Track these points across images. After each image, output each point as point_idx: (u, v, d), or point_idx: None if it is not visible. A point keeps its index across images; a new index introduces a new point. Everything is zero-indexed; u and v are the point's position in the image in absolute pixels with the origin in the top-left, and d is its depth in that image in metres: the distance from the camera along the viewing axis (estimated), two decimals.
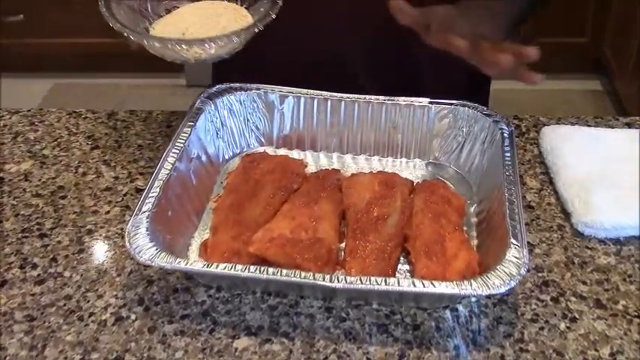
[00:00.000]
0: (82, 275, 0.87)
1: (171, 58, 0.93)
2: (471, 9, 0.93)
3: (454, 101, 1.01)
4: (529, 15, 1.08)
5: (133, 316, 0.82)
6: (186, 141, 0.94)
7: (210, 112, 1.01)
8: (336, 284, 0.75)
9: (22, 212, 0.97)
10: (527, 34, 2.98)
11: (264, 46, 1.05)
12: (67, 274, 0.88)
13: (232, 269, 0.77)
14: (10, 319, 0.82)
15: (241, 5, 1.01)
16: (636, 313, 0.82)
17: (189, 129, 0.96)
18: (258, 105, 1.05)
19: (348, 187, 0.96)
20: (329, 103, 1.03)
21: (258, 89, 1.04)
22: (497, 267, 0.76)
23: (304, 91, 1.03)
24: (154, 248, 0.79)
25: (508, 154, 0.92)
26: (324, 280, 0.75)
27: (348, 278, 0.75)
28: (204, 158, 0.99)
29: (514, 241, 0.78)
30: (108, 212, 0.97)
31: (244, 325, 0.81)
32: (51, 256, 0.90)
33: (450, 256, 0.83)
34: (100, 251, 0.91)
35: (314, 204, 0.92)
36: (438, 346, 0.78)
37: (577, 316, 0.81)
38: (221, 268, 0.77)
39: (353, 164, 1.05)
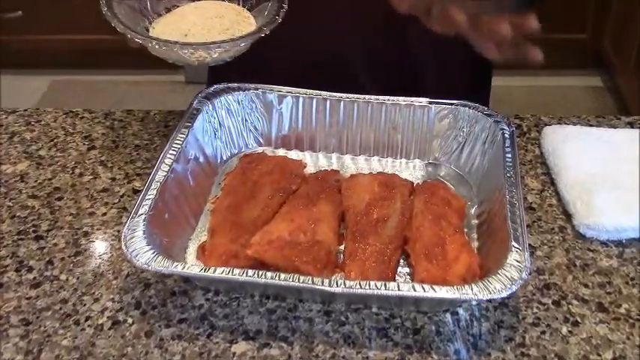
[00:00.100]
0: (78, 278, 0.87)
1: (174, 60, 0.92)
2: None
3: (454, 101, 1.00)
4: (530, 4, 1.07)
5: (130, 320, 0.81)
6: (183, 142, 0.93)
7: (207, 113, 1.00)
8: (335, 289, 0.74)
9: (17, 214, 0.96)
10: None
11: (263, 46, 1.03)
12: (63, 277, 0.87)
13: (230, 273, 0.76)
14: (5, 323, 0.81)
15: (243, 7, 0.99)
16: (639, 317, 0.81)
17: (187, 130, 0.95)
18: (256, 105, 1.04)
19: (347, 188, 0.95)
20: (328, 103, 1.02)
21: (257, 89, 1.03)
22: (499, 271, 0.75)
23: (303, 90, 1.02)
24: (151, 252, 0.78)
25: (509, 155, 0.91)
26: (322, 284, 0.74)
27: (347, 283, 0.74)
28: (201, 159, 0.98)
29: (515, 245, 0.77)
30: (105, 214, 0.96)
31: (242, 329, 0.80)
32: (47, 259, 0.89)
33: (450, 259, 0.82)
34: (97, 254, 0.90)
35: (313, 206, 0.91)
36: (438, 351, 0.77)
37: (579, 320, 0.80)
38: (218, 273, 0.76)
39: (352, 165, 1.04)
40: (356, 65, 1.12)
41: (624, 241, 0.90)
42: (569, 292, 0.84)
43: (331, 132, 1.04)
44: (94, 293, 0.85)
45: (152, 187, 0.86)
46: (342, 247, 0.89)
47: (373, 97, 1.01)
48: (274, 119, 1.04)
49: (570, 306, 0.82)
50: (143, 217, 0.82)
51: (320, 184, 0.95)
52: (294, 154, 1.05)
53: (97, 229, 0.94)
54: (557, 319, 0.81)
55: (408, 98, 1.01)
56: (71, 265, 0.88)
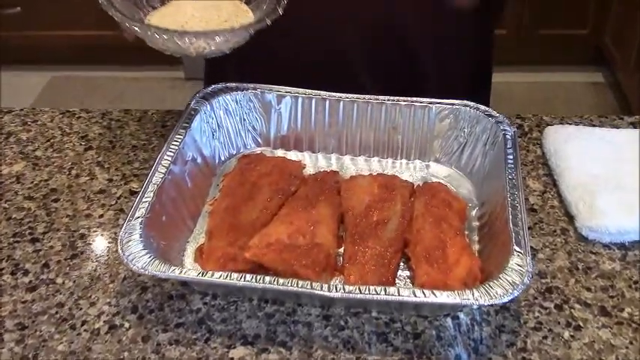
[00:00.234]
0: (74, 282, 0.85)
1: (172, 51, 0.90)
2: None
3: (455, 101, 0.99)
4: None
5: (127, 325, 0.80)
6: (180, 143, 0.92)
7: (205, 113, 0.99)
8: (334, 294, 0.73)
9: (13, 216, 0.95)
10: (529, 26, 2.97)
11: (262, 45, 1.02)
12: (59, 280, 0.86)
13: (228, 278, 0.75)
14: (0, 327, 0.80)
15: (241, 1, 0.98)
16: None
17: (184, 130, 0.94)
18: (254, 105, 1.03)
19: (346, 189, 0.94)
20: (327, 103, 1.01)
21: (255, 89, 1.02)
22: (500, 275, 0.74)
23: (302, 90, 1.01)
24: (148, 255, 0.77)
25: (511, 157, 0.90)
26: (322, 289, 0.73)
27: (347, 288, 0.73)
28: (199, 160, 0.97)
29: (517, 248, 0.76)
30: (101, 216, 0.95)
31: (240, 333, 0.79)
32: (43, 262, 0.88)
33: (451, 263, 0.81)
34: (93, 257, 0.89)
35: (312, 208, 0.90)
36: (439, 356, 0.76)
37: (581, 324, 0.79)
38: (216, 277, 0.75)
39: (352, 165, 1.03)
40: (356, 65, 1.10)
41: (627, 244, 0.89)
42: (572, 296, 0.83)
43: (330, 132, 1.03)
44: (90, 297, 0.84)
45: (149, 190, 0.85)
46: (341, 249, 0.87)
47: (373, 97, 1.00)
48: (273, 119, 1.03)
49: (572, 310, 0.81)
50: (140, 220, 0.81)
51: (319, 186, 0.94)
52: (293, 155, 1.04)
53: (94, 232, 0.93)
54: (559, 323, 0.80)
55: (409, 98, 1.00)
56: (67, 268, 0.87)
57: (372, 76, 1.10)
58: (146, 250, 0.78)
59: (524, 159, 1.03)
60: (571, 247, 0.89)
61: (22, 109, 1.16)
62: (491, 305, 0.81)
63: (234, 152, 1.04)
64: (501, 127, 0.95)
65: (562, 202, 0.95)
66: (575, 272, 0.86)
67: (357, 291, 0.73)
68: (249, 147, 1.05)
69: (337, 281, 0.84)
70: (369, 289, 0.73)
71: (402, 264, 0.86)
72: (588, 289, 0.84)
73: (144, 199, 0.83)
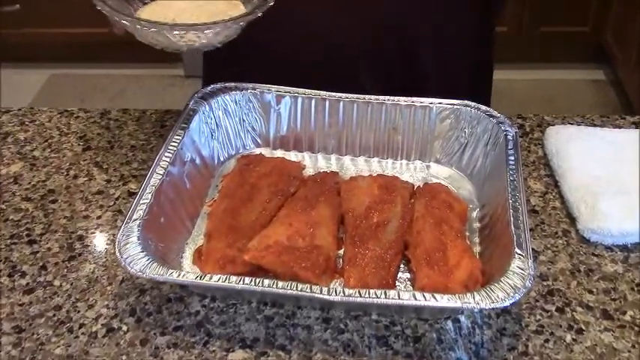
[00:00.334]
0: (72, 284, 0.85)
1: (162, 45, 0.89)
2: None
3: (456, 101, 0.98)
4: None
5: (125, 328, 0.80)
6: (179, 144, 0.91)
7: (204, 113, 0.98)
8: (334, 297, 0.72)
9: (11, 217, 0.94)
10: (530, 23, 2.96)
11: (261, 45, 1.02)
12: (56, 282, 0.85)
13: (226, 281, 0.74)
14: None
15: None
16: None
17: (183, 131, 0.93)
18: (253, 105, 1.02)
19: (346, 191, 0.93)
20: (327, 103, 1.00)
21: (254, 89, 1.01)
22: (501, 279, 0.73)
23: (301, 90, 1.00)
24: (146, 258, 0.76)
25: (512, 158, 0.89)
26: (321, 292, 0.72)
27: (347, 291, 0.73)
28: (198, 161, 0.96)
29: (518, 251, 0.76)
30: (99, 217, 0.94)
31: (239, 337, 0.78)
32: (40, 264, 0.87)
33: (452, 265, 0.80)
34: (91, 258, 0.88)
35: (311, 209, 0.89)
36: None
37: (583, 328, 0.79)
38: (215, 280, 0.74)
39: (352, 166, 1.02)
40: (356, 65, 1.10)
41: (629, 246, 0.88)
42: (573, 299, 0.82)
43: (330, 132, 1.02)
44: (88, 299, 0.83)
45: (147, 191, 0.84)
46: (341, 251, 0.87)
47: (373, 97, 0.99)
48: (272, 119, 1.03)
49: (574, 313, 0.80)
50: (138, 222, 0.80)
51: (319, 187, 0.93)
52: (292, 155, 1.03)
53: (92, 233, 0.92)
54: (560, 326, 0.79)
55: (409, 98, 0.99)
56: (65, 270, 0.87)
57: (372, 76, 1.09)
58: (144, 253, 0.77)
59: (526, 159, 1.02)
60: (573, 249, 0.88)
61: (19, 109, 1.15)
62: (493, 309, 0.80)
63: (233, 153, 1.03)
64: (502, 128, 0.94)
65: (564, 204, 0.94)
66: (577, 275, 0.85)
67: (357, 294, 0.72)
68: (248, 147, 1.04)
69: (337, 284, 0.83)
70: (368, 293, 0.72)
71: (402, 266, 0.85)
72: (590, 292, 0.83)
73: (142, 201, 0.83)
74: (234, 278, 0.74)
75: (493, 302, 0.70)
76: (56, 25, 3.02)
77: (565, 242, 0.89)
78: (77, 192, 0.98)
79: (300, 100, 1.00)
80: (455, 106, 0.98)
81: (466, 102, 0.98)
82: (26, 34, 3.06)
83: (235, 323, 0.80)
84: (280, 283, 0.73)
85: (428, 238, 0.84)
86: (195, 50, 0.89)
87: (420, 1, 1.03)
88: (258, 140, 1.04)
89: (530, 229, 0.89)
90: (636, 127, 1.07)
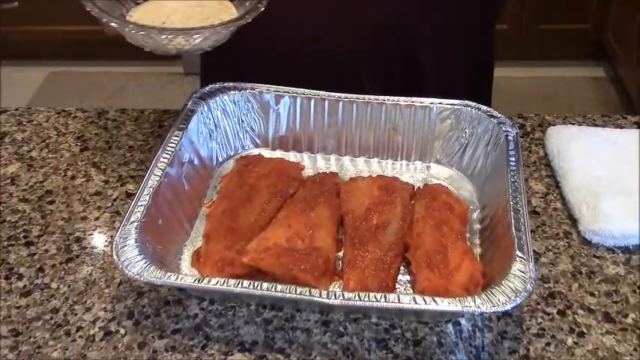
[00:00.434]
0: (69, 286, 0.84)
1: (151, 47, 0.88)
2: None
3: (456, 101, 0.97)
4: None
5: (122, 331, 0.79)
6: (177, 145, 0.90)
7: (202, 114, 0.97)
8: (333, 301, 0.71)
9: (8, 218, 0.94)
10: (530, 20, 2.95)
11: (260, 45, 1.01)
12: (54, 285, 0.84)
13: (225, 284, 0.73)
14: None
15: None
16: None
17: (181, 132, 0.93)
18: (252, 105, 1.01)
19: (346, 192, 0.93)
20: (326, 103, 0.99)
21: (253, 89, 1.00)
22: (502, 282, 0.72)
23: (300, 90, 0.99)
24: (143, 261, 0.76)
25: (513, 159, 0.88)
26: (320, 296, 0.72)
27: (346, 294, 0.72)
28: (196, 162, 0.95)
29: (519, 254, 0.75)
30: (97, 218, 0.94)
31: (238, 340, 0.78)
32: (38, 266, 0.87)
33: (452, 268, 0.80)
34: (89, 260, 0.87)
35: (311, 210, 0.88)
36: None
37: (585, 331, 0.78)
38: (213, 283, 0.74)
39: (351, 166, 1.01)
40: (355, 65, 1.09)
41: (631, 248, 0.88)
42: (575, 301, 0.81)
43: (330, 133, 1.01)
44: (85, 302, 0.82)
45: (145, 193, 0.83)
46: (340, 253, 0.86)
47: (373, 97, 0.98)
48: (271, 120, 1.02)
49: (576, 316, 0.80)
50: (135, 224, 0.79)
51: (318, 188, 0.93)
52: (291, 156, 1.02)
53: (89, 235, 0.91)
54: (562, 329, 0.78)
55: (409, 98, 0.98)
56: (62, 272, 0.86)
57: (372, 76, 1.09)
58: (142, 256, 0.76)
59: (527, 160, 1.02)
60: (574, 251, 0.88)
61: (16, 109, 1.14)
62: (494, 312, 0.79)
63: (232, 153, 1.02)
64: (503, 128, 0.93)
65: (565, 205, 0.94)
66: (579, 277, 0.84)
67: (357, 298, 0.71)
68: (247, 148, 1.03)
69: (336, 286, 0.82)
70: (368, 296, 0.71)
71: (402, 268, 0.84)
72: (592, 294, 0.82)
73: (139, 203, 0.82)
74: (232, 281, 0.73)
75: (494, 306, 0.70)
76: (55, 23, 3.01)
77: (566, 244, 0.89)
78: (75, 193, 0.98)
79: (299, 100, 1.00)
80: (455, 106, 0.97)
81: (466, 102, 0.97)
82: (25, 32, 3.05)
83: (234, 326, 0.79)
84: (279, 287, 0.73)
85: (428, 240, 0.83)
86: (185, 53, 0.89)
87: (420, 1, 1.03)
88: (257, 141, 1.03)
89: (531, 231, 0.88)
90: (638, 127, 1.06)
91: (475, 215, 0.91)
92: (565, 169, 0.96)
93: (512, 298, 0.70)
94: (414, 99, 0.98)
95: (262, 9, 0.88)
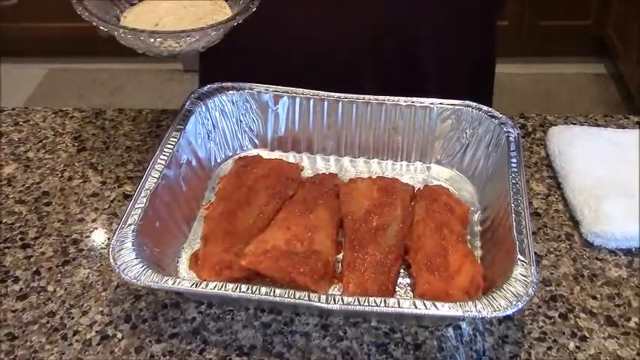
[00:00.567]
0: (66, 290, 0.83)
1: (143, 50, 0.88)
2: None
3: (457, 102, 0.96)
4: None
5: (120, 335, 0.78)
6: (175, 146, 0.90)
7: (200, 114, 0.96)
8: (332, 306, 0.70)
9: (4, 220, 0.93)
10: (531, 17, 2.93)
11: (259, 45, 1.00)
12: (50, 288, 0.83)
13: (222, 288, 0.72)
14: None
15: None
16: None
17: (179, 133, 0.92)
18: (251, 105, 1.00)
19: (346, 193, 0.92)
20: (326, 103, 0.98)
21: (252, 89, 0.99)
22: (503, 286, 0.71)
23: (299, 90, 0.98)
24: (140, 265, 0.75)
25: (514, 160, 0.87)
26: (319, 301, 0.71)
27: (345, 299, 0.71)
28: (194, 163, 0.94)
29: (521, 257, 0.74)
30: (94, 220, 0.93)
31: (236, 344, 0.77)
32: (34, 269, 0.86)
33: (453, 271, 0.79)
34: (86, 263, 0.87)
35: (310, 212, 0.87)
36: None
37: (587, 335, 0.77)
38: (210, 288, 0.73)
39: (351, 167, 1.00)
40: (355, 65, 1.08)
41: (634, 250, 0.87)
42: (577, 305, 0.80)
43: (329, 133, 1.00)
44: (82, 305, 0.81)
45: (142, 195, 0.82)
46: (340, 256, 0.85)
47: (372, 97, 0.97)
48: (270, 120, 1.01)
49: (578, 319, 0.79)
50: (132, 227, 0.79)
51: (317, 189, 0.92)
52: (291, 156, 1.02)
53: (87, 237, 0.90)
54: (564, 333, 0.77)
55: (409, 98, 0.97)
56: (59, 275, 0.85)
57: (372, 76, 1.08)
58: (139, 259, 0.75)
59: (528, 160, 1.01)
60: (576, 254, 0.87)
61: (13, 109, 1.13)
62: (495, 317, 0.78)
63: (231, 154, 1.01)
64: (504, 129, 0.92)
65: (567, 206, 0.93)
66: (581, 279, 0.83)
67: (356, 302, 0.71)
68: (245, 148, 1.02)
69: (336, 289, 0.81)
70: (368, 301, 0.71)
71: (402, 271, 0.84)
72: (594, 298, 0.81)
73: (136, 205, 0.81)
74: (230, 286, 0.73)
75: (495, 311, 0.69)
76: (55, 20, 3.00)
77: (568, 246, 0.88)
78: (72, 194, 0.97)
79: (298, 100, 0.99)
80: (456, 107, 0.96)
81: (467, 102, 0.96)
82: (25, 29, 3.04)
83: (232, 330, 0.78)
84: (278, 291, 0.72)
85: (428, 242, 0.82)
86: (178, 55, 0.88)
87: (420, 1, 1.02)
88: (256, 141, 1.02)
89: (533, 233, 0.87)
90: None
91: (476, 217, 0.90)
92: (567, 169, 0.95)
93: (514, 302, 0.70)
94: (415, 99, 0.97)
95: (254, 9, 0.88)
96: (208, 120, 0.98)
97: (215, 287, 0.73)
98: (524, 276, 0.72)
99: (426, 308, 0.70)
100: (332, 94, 0.98)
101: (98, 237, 0.90)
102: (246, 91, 0.99)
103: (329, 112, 0.99)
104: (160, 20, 0.89)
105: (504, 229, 0.80)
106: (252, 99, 1.00)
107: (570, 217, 0.91)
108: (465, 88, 1.11)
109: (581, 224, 0.88)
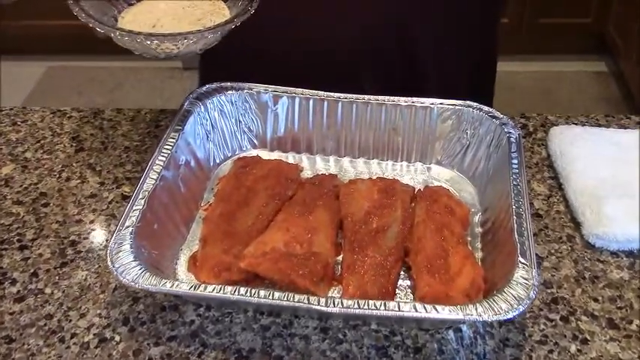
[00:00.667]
0: (63, 292, 0.83)
1: (141, 52, 0.87)
2: None
3: (458, 102, 0.96)
4: None
5: (117, 338, 0.77)
6: (173, 147, 0.89)
7: (199, 115, 0.96)
8: (332, 309, 0.70)
9: (1, 221, 0.92)
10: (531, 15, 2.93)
11: (259, 45, 1.00)
12: (48, 290, 0.83)
13: (221, 291, 0.72)
14: None
15: None
16: None
17: (177, 134, 0.91)
18: (250, 105, 0.99)
19: (345, 194, 0.91)
20: (325, 103, 0.97)
21: (251, 89, 0.99)
22: (504, 289, 0.71)
23: (299, 90, 0.98)
24: (138, 267, 0.74)
25: (515, 161, 0.87)
26: (319, 304, 0.70)
27: (345, 302, 0.70)
28: (193, 163, 0.94)
29: (522, 260, 0.73)
30: (92, 221, 0.92)
31: (235, 347, 0.76)
32: (31, 271, 0.85)
33: (453, 273, 0.78)
34: (84, 265, 0.86)
35: (309, 214, 0.87)
36: None
37: (588, 338, 0.77)
38: (209, 291, 0.72)
39: (351, 168, 0.99)
40: (355, 65, 1.07)
41: (635, 252, 0.86)
42: (578, 307, 0.80)
43: (329, 134, 0.99)
44: (80, 308, 0.81)
45: (140, 197, 0.82)
46: (339, 258, 0.85)
47: (372, 97, 0.96)
48: (269, 120, 1.00)
49: (579, 322, 0.78)
50: (130, 229, 0.78)
51: (317, 190, 0.91)
52: (290, 157, 1.01)
53: (85, 238, 0.90)
54: (565, 336, 0.77)
55: (409, 98, 0.96)
56: (57, 277, 0.84)
57: (372, 76, 1.07)
58: (137, 262, 0.75)
59: (529, 161, 1.00)
60: (577, 255, 0.86)
61: (11, 109, 1.12)
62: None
63: (230, 154, 1.00)
64: (505, 130, 0.91)
65: (568, 207, 0.92)
66: (582, 282, 0.83)
67: (356, 306, 0.70)
68: (244, 149, 1.01)
69: (335, 292, 0.81)
70: (368, 304, 0.70)
71: (402, 273, 0.83)
72: (595, 300, 0.81)
73: (134, 207, 0.80)
74: (229, 288, 0.72)
75: (496, 314, 0.68)
76: (54, 18, 2.99)
77: (569, 248, 0.87)
78: (70, 195, 0.96)
79: (297, 100, 0.98)
80: (457, 107, 0.96)
81: (468, 102, 0.95)
82: (24, 26, 3.03)
83: (231, 333, 0.78)
84: (276, 294, 0.71)
85: (429, 244, 0.82)
86: (175, 57, 0.87)
87: (420, 1, 1.01)
88: (255, 141, 1.02)
89: (534, 234, 0.86)
90: None
91: (476, 218, 0.90)
92: (568, 170, 0.94)
93: (515, 306, 0.69)
94: (415, 99, 0.96)
95: (252, 11, 0.87)
96: (207, 120, 0.97)
97: (214, 290, 0.72)
98: (526, 279, 0.71)
99: (427, 312, 0.69)
100: (332, 94, 0.97)
101: (96, 238, 0.90)
102: (245, 91, 0.99)
103: (329, 113, 0.98)
104: (158, 21, 0.88)
105: (505, 231, 0.80)
106: (251, 99, 0.99)
107: (572, 219, 0.91)
108: (465, 88, 1.10)
109: (583, 226, 0.88)
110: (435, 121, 0.97)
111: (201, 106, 0.96)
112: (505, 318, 0.68)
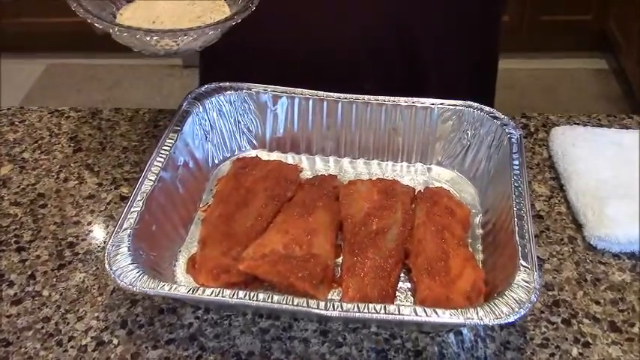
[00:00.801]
0: (61, 294, 0.82)
1: (139, 48, 0.86)
2: None
3: (458, 102, 0.95)
4: None
5: (115, 341, 0.77)
6: (171, 148, 0.88)
7: (198, 115, 0.95)
8: (331, 312, 0.69)
9: None
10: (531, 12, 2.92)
11: (258, 44, 0.99)
12: (45, 292, 0.82)
13: (220, 295, 0.71)
14: None
15: None
16: None
17: (175, 134, 0.90)
18: (249, 106, 0.99)
19: (345, 195, 0.90)
20: (325, 103, 0.97)
21: (250, 89, 0.98)
22: (506, 292, 0.70)
23: (298, 90, 0.97)
24: (136, 270, 0.74)
25: (516, 162, 0.86)
26: (318, 307, 0.70)
27: (345, 305, 0.70)
28: (191, 164, 0.93)
29: (523, 263, 0.73)
30: (90, 223, 0.91)
31: (234, 350, 0.76)
32: (29, 273, 0.85)
33: (454, 276, 0.78)
34: (81, 267, 0.85)
35: (309, 215, 0.86)
36: None
37: (590, 341, 0.76)
38: (207, 294, 0.71)
39: (351, 169, 0.99)
40: (355, 65, 1.06)
41: (637, 254, 0.86)
42: (580, 310, 0.79)
43: (328, 134, 0.99)
44: (77, 311, 0.80)
45: (138, 199, 0.81)
46: (339, 260, 0.84)
47: (372, 97, 0.96)
48: (268, 121, 0.99)
49: (581, 325, 0.78)
50: (128, 231, 0.77)
51: (316, 191, 0.90)
52: (289, 157, 1.00)
53: (82, 240, 0.89)
54: (566, 339, 0.76)
55: (410, 99, 0.96)
56: (54, 279, 0.84)
57: (372, 76, 1.06)
58: (135, 264, 0.74)
59: (530, 161, 0.99)
60: (579, 257, 0.85)
61: (9, 108, 1.12)
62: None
63: (229, 155, 1.00)
64: (506, 130, 0.91)
65: (569, 208, 0.91)
66: (584, 284, 0.82)
67: (356, 309, 0.69)
68: (243, 149, 1.01)
69: (335, 294, 0.80)
70: (368, 308, 0.69)
71: (402, 275, 0.82)
72: (597, 303, 0.80)
73: (132, 209, 0.80)
74: (227, 292, 0.71)
75: (497, 318, 0.68)
76: (53, 15, 2.98)
77: (571, 249, 0.86)
78: (67, 196, 0.95)
79: (297, 100, 0.97)
80: (457, 107, 0.95)
81: (469, 103, 0.95)
82: (23, 24, 3.02)
83: (230, 336, 0.77)
84: (276, 297, 0.71)
85: (429, 246, 0.81)
86: (174, 54, 0.86)
87: (420, 1, 1.00)
88: (254, 142, 1.01)
89: (535, 236, 0.86)
90: None
91: (477, 220, 0.89)
92: (569, 171, 0.94)
93: (516, 309, 0.68)
94: (415, 99, 0.95)
95: (253, 9, 0.86)
96: (206, 121, 0.96)
97: (212, 293, 0.71)
98: (527, 282, 0.71)
99: (427, 315, 0.69)
100: (331, 94, 0.96)
101: (94, 240, 0.89)
102: (244, 91, 0.98)
103: (328, 113, 0.97)
104: (157, 18, 0.87)
105: (506, 233, 0.79)
106: (250, 99, 0.98)
107: (573, 220, 0.90)
108: (465, 89, 1.09)
109: (584, 227, 0.87)
110: (435, 121, 0.96)
111: (200, 107, 0.96)
112: (506, 322, 0.68)
